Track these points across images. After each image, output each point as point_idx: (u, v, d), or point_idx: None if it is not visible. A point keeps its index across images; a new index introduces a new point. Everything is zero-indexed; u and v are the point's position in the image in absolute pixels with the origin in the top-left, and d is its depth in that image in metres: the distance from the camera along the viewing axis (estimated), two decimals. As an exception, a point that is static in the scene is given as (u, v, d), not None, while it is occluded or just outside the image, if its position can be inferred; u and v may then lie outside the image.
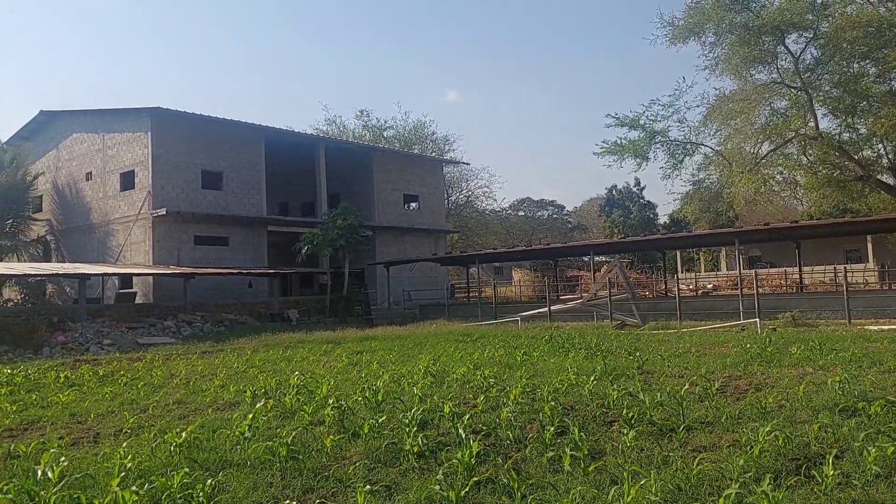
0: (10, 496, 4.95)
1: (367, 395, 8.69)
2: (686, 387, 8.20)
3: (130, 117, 33.31)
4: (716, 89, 57.51)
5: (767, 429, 5.73)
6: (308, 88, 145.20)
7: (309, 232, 34.16)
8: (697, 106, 57.79)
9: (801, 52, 35.18)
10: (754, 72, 36.99)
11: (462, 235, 60.20)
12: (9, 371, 14.75)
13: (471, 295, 40.45)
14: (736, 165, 36.16)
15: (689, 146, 39.91)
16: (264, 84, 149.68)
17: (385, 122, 60.73)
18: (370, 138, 57.72)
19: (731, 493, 4.08)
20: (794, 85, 35.39)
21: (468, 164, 62.41)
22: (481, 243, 61.23)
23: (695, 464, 5.15)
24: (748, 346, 13.30)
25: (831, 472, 4.69)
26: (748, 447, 5.61)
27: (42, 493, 4.94)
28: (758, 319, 19.60)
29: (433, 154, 55.58)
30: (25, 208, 36.52)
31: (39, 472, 5.60)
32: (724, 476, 5.07)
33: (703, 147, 40.15)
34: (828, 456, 4.97)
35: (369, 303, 35.89)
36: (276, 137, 37.08)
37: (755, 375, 9.77)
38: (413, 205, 45.05)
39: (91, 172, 35.52)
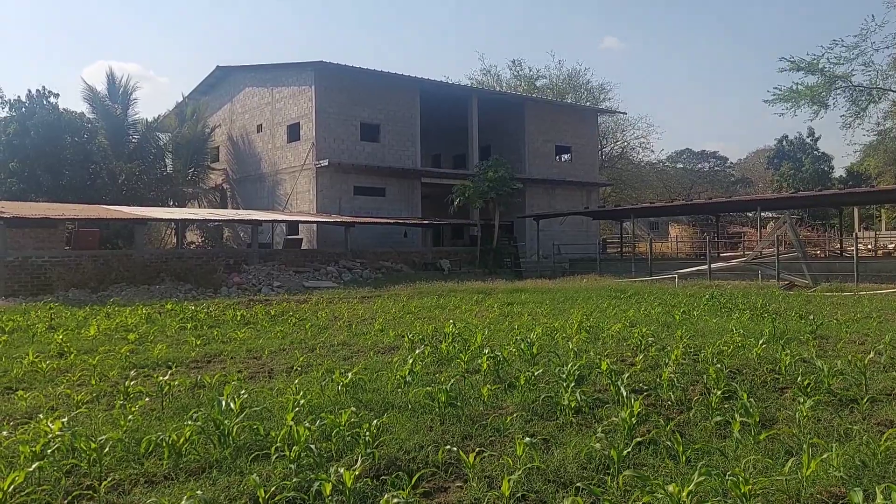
0: (198, 423, 5.41)
1: (521, 347, 8.71)
2: (871, 355, 7.53)
3: (295, 71, 34.87)
4: (911, 28, 51.49)
5: (971, 407, 5.14)
6: (464, 38, 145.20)
7: (461, 184, 34.50)
8: (887, 48, 52.20)
9: None
10: (960, 6, 32.72)
11: (615, 188, 58.51)
12: (193, 308, 16.15)
13: (624, 250, 39.40)
14: (932, 113, 32.43)
15: (874, 92, 36.27)
16: (420, 35, 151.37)
17: (538, 71, 59.70)
18: (524, 88, 56.96)
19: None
20: None
21: (624, 113, 60.23)
22: (636, 197, 59.25)
23: (882, 439, 4.73)
24: (941, 313, 12.03)
25: None
26: (946, 425, 5.08)
27: (226, 422, 5.34)
28: (952, 285, 17.68)
29: (587, 104, 54.05)
30: (205, 158, 39.50)
31: (223, 403, 6.09)
32: (917, 455, 4.62)
33: (891, 93, 36.30)
34: None
35: (518, 255, 35.91)
36: (431, 89, 37.48)
37: (951, 346, 8.82)
38: (565, 156, 44.20)
39: (261, 125, 37.72)
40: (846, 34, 63.13)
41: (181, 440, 5.08)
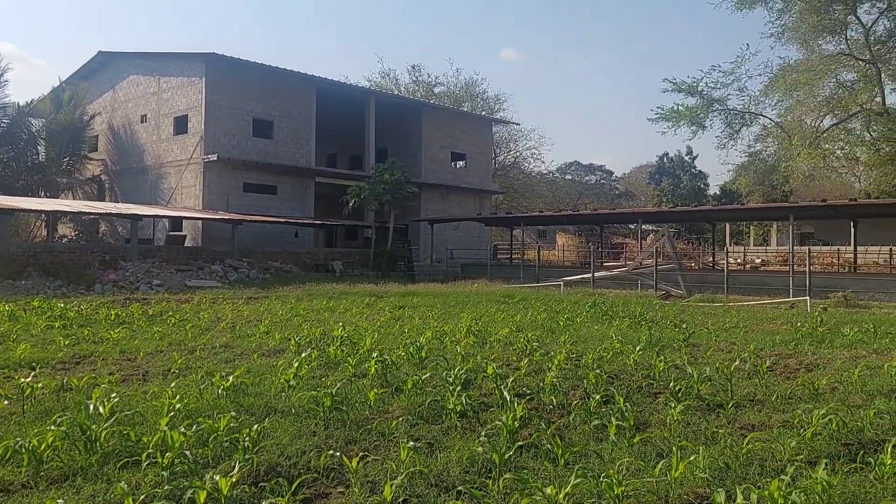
0: (63, 428, 5.08)
1: (410, 350, 8.71)
2: (736, 363, 8.02)
3: (185, 62, 33.55)
4: (780, 58, 55.76)
5: (822, 412, 5.56)
6: (363, 41, 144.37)
7: (356, 185, 34.24)
8: (759, 75, 56.12)
9: (872, 24, 33.73)
10: (822, 41, 35.64)
11: (507, 196, 59.76)
12: (62, 305, 15.20)
13: (513, 257, 40.28)
14: (796, 139, 35.03)
15: (747, 116, 38.82)
16: (319, 35, 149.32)
17: (436, 78, 60.16)
18: (422, 94, 57.26)
19: (786, 477, 3.96)
20: (863, 57, 33.97)
21: (518, 124, 61.71)
22: (526, 205, 60.74)
23: (744, 442, 5.03)
24: (798, 324, 12.98)
25: (889, 461, 4.53)
26: (800, 429, 5.46)
27: (93, 427, 5.05)
28: (808, 298, 19.11)
29: (483, 112, 54.97)
30: (82, 147, 37.25)
31: (91, 407, 5.76)
32: (775, 457, 4.95)
33: (762, 118, 39.05)
34: (886, 444, 4.79)
35: (412, 259, 36.02)
36: (328, 88, 37.01)
37: (806, 355, 9.54)
38: (460, 163, 44.75)
39: (146, 115, 36.01)
40: (724, 60, 67.53)
41: (43, 446, 4.78)
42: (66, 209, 28.03)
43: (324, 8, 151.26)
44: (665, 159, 78.74)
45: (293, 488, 4.21)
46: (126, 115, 37.37)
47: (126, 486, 4.12)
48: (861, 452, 4.97)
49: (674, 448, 4.69)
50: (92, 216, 33.30)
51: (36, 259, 22.68)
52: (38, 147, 36.85)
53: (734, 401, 6.56)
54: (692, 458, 4.62)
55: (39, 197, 33.51)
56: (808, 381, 7.18)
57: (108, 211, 28.78)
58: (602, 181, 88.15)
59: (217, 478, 4.11)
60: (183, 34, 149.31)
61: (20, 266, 21.94)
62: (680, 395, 6.61)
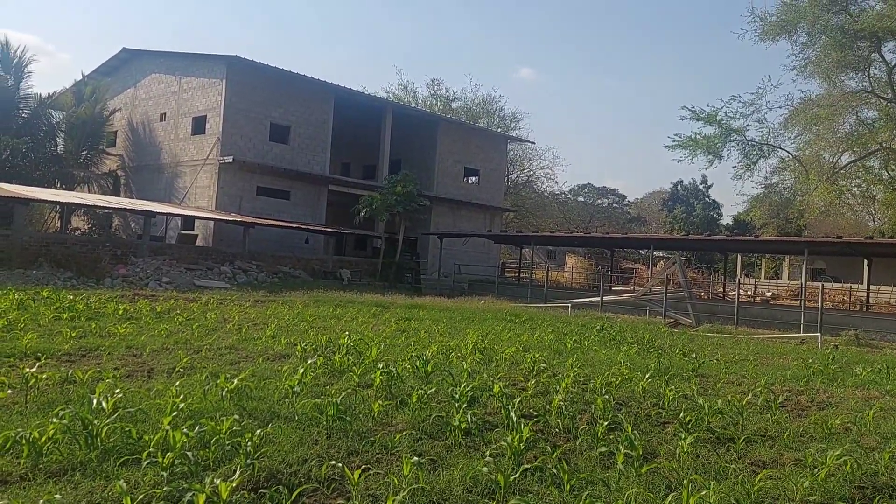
0: (64, 422, 5.03)
1: (416, 364, 8.62)
2: (749, 396, 7.89)
3: (207, 63, 33.75)
4: (801, 91, 55.67)
5: (837, 452, 5.42)
6: (384, 51, 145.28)
7: (368, 195, 34.27)
8: (780, 107, 56.03)
9: (896, 63, 33.56)
10: (844, 77, 35.54)
11: (518, 215, 59.69)
12: (71, 297, 15.21)
13: (521, 275, 40.14)
14: (813, 174, 34.86)
15: (765, 148, 38.69)
16: (339, 45, 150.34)
17: (454, 93, 60.40)
18: (439, 108, 57.42)
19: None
20: (885, 95, 33.84)
21: (533, 143, 61.69)
22: (537, 224, 60.64)
23: (756, 479, 4.91)
24: (809, 360, 12.81)
25: (905, 508, 4.40)
26: (813, 468, 5.33)
27: (95, 422, 4.99)
28: (819, 334, 18.91)
29: (499, 129, 55.03)
30: (100, 142, 37.47)
31: (94, 401, 5.70)
32: (787, 496, 4.83)
33: (780, 150, 38.88)
34: (904, 490, 4.67)
35: (420, 271, 35.97)
36: (346, 97, 37.14)
37: (817, 393, 9.37)
38: (473, 179, 44.75)
39: (165, 113, 36.22)
40: (744, 89, 67.81)
41: (43, 438, 4.74)
42: (81, 202, 28.14)
43: (346, 19, 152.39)
44: (679, 186, 78.61)
45: (293, 497, 4.13)
46: (146, 113, 37.61)
47: (125, 484, 4.06)
48: (877, 497, 4.84)
49: (685, 482, 4.57)
50: (106, 210, 33.45)
51: (48, 250, 22.75)
52: (58, 139, 37.10)
53: (745, 436, 6.42)
54: (703, 493, 4.50)
55: (55, 188, 33.69)
56: (820, 420, 7.05)
57: (122, 206, 28.90)
58: (614, 205, 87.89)
59: (217, 481, 4.03)
60: (203, 38, 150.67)
61: (32, 256, 22.02)
62: (690, 426, 6.49)
